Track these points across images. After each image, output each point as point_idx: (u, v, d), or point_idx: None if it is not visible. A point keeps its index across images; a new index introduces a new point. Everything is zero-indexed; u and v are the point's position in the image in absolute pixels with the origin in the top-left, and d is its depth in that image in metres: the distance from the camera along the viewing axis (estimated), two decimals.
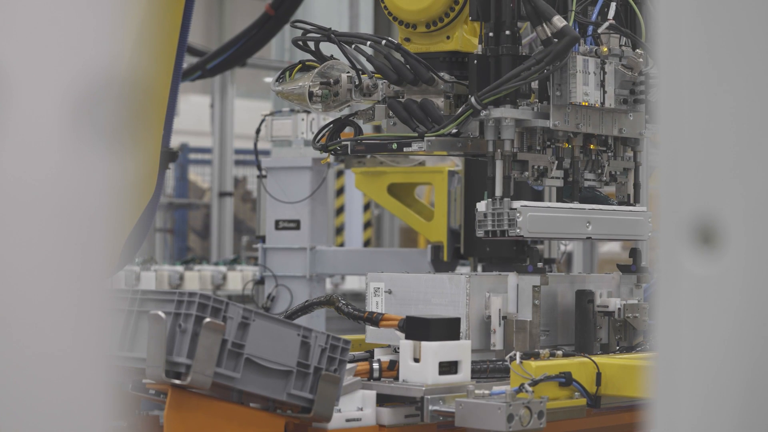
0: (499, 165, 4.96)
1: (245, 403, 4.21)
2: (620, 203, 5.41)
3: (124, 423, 4.61)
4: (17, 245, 1.36)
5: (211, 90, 15.77)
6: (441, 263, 7.27)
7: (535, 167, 5.08)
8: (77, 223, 1.38)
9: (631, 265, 5.44)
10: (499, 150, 4.95)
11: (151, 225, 5.69)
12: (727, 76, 1.35)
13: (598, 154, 5.26)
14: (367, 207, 14.87)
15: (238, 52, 11.16)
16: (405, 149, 5.02)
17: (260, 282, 8.89)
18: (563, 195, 5.24)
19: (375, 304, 5.10)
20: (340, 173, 13.46)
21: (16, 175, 1.36)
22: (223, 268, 11.75)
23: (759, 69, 1.33)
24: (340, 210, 14.26)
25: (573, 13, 4.98)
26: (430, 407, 4.38)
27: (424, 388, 4.39)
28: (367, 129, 7.06)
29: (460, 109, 4.93)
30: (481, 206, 4.95)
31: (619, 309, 5.12)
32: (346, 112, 5.58)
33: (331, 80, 5.13)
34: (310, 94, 5.11)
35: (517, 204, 4.90)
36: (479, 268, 7.03)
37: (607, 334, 5.14)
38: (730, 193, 1.34)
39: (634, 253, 5.50)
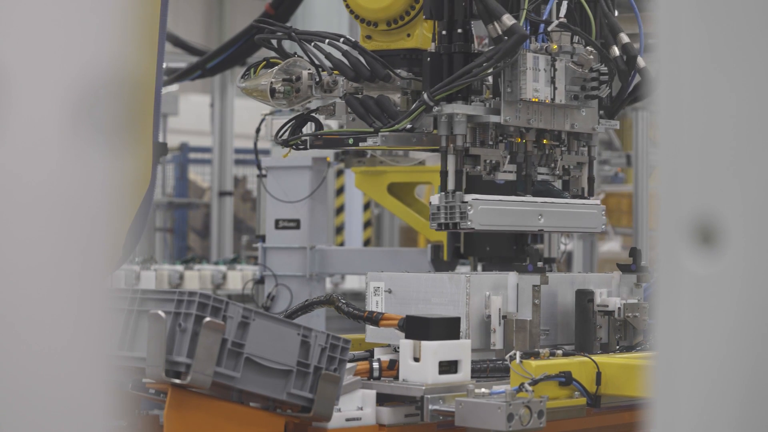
0: (451, 159, 5.07)
1: (245, 402, 4.21)
2: (574, 197, 5.47)
3: (124, 422, 4.61)
4: (18, 244, 1.36)
5: (211, 89, 15.78)
6: (441, 263, 7.26)
7: (488, 161, 5.15)
8: (77, 222, 1.38)
9: (631, 265, 5.44)
10: (451, 145, 5.05)
11: (147, 220, 5.70)
12: (726, 75, 1.35)
13: (551, 149, 5.33)
14: (367, 206, 14.87)
15: (238, 51, 11.15)
16: (361, 144, 5.15)
17: (260, 281, 8.89)
18: (517, 189, 5.30)
19: (375, 304, 5.11)
20: (340, 173, 13.46)
21: (16, 174, 1.36)
22: (222, 268, 11.75)
23: (759, 68, 1.33)
24: (340, 209, 14.26)
25: (525, 11, 5.05)
26: (430, 407, 4.38)
27: (424, 388, 4.39)
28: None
29: (414, 105, 5.07)
30: (434, 199, 5.10)
31: (619, 308, 5.12)
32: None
33: (293, 77, 5.21)
34: (272, 91, 5.23)
35: (468, 197, 5.02)
36: (479, 268, 7.03)
37: (607, 334, 5.14)
38: (730, 192, 1.34)
39: (633, 252, 5.50)
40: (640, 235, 12.10)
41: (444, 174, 5.06)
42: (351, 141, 5.14)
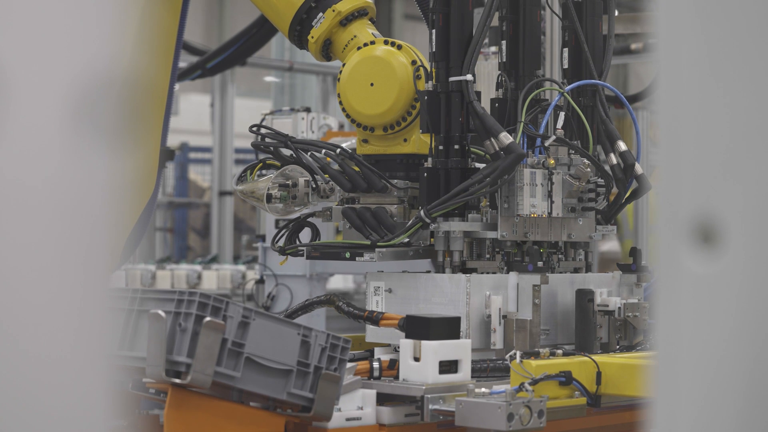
0: (448, 273, 5.07)
1: (245, 402, 4.21)
2: None
3: (124, 422, 4.61)
4: (18, 245, 1.36)
5: (211, 89, 15.77)
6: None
7: (484, 273, 5.15)
8: (78, 223, 1.38)
9: (632, 264, 5.45)
10: (448, 259, 5.07)
11: (149, 223, 5.70)
12: (726, 75, 1.35)
13: (548, 256, 5.33)
14: None
15: (238, 51, 11.15)
16: (357, 258, 5.12)
17: (260, 281, 8.90)
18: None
19: (375, 304, 5.11)
20: None
21: (16, 175, 1.36)
22: (236, 267, 11.90)
23: (758, 69, 1.33)
24: None
25: (521, 124, 5.04)
26: (430, 406, 4.38)
27: (424, 387, 4.39)
28: None
29: (410, 222, 5.05)
30: None
31: (619, 308, 5.12)
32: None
33: (290, 182, 5.23)
34: (269, 197, 5.24)
35: None
36: None
37: (607, 333, 5.14)
38: (730, 192, 1.34)
39: (634, 252, 5.51)
40: (640, 235, 12.11)
41: None
42: (348, 255, 5.14)
